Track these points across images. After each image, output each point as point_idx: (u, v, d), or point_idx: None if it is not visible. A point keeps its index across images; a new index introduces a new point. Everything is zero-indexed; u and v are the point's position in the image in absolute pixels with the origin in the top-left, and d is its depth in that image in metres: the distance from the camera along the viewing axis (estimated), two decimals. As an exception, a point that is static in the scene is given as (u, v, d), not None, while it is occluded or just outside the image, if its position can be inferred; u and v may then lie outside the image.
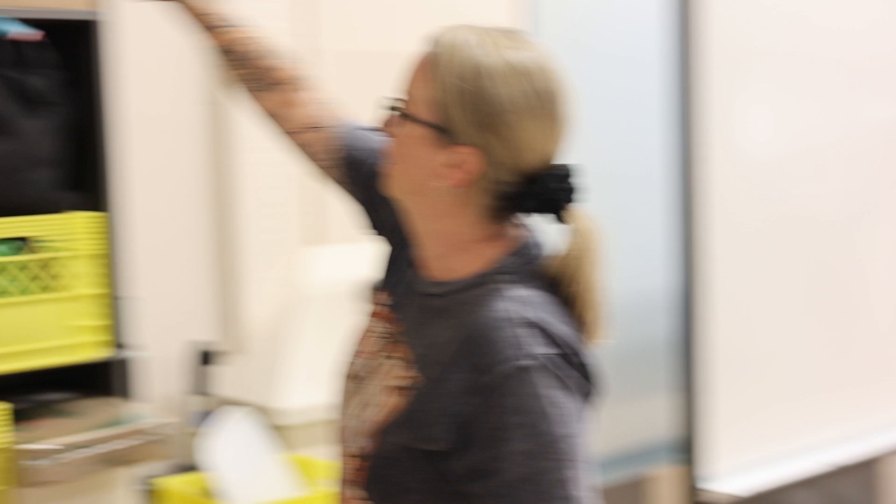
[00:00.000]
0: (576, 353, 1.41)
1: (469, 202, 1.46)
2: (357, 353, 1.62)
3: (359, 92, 3.60)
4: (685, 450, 3.50)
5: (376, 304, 1.62)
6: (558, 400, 1.37)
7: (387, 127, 1.51)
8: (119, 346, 2.79)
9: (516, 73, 1.43)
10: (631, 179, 4.02)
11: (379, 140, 1.61)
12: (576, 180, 1.48)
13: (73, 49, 2.73)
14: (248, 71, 1.77)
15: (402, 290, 1.58)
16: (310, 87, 1.79)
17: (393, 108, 1.50)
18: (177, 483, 2.86)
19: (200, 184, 3.38)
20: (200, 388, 3.24)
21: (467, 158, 1.43)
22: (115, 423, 2.62)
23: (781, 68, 3.73)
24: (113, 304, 2.77)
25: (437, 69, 1.44)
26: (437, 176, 1.45)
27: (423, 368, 1.45)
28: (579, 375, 1.41)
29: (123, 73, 2.77)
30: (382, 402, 1.49)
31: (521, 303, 1.42)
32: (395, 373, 1.50)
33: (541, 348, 1.38)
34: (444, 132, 1.43)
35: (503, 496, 1.36)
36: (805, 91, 3.81)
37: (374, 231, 1.72)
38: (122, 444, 2.58)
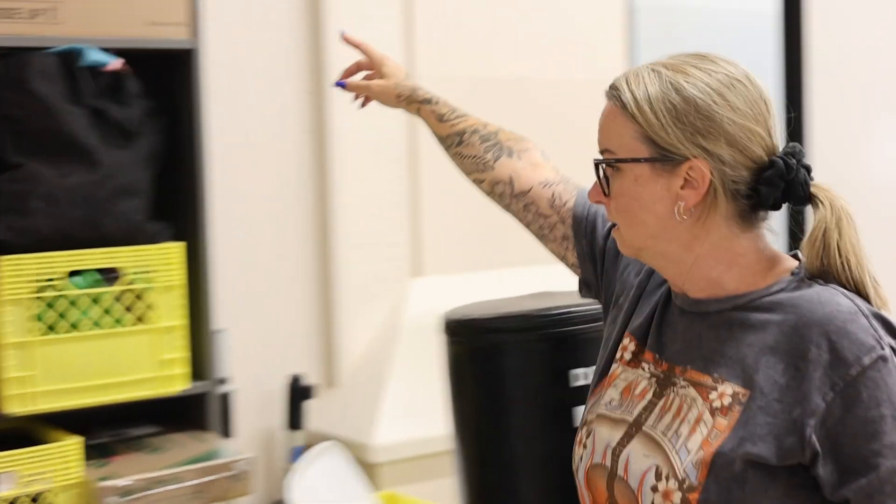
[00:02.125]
0: None
1: (716, 215, 1.45)
2: (618, 401, 1.56)
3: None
4: None
5: (623, 353, 1.61)
6: None
7: (599, 192, 1.50)
8: (210, 379, 2.74)
9: (698, 69, 1.45)
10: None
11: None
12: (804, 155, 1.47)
13: (162, 79, 2.72)
14: (491, 143, 1.83)
15: (656, 330, 1.56)
16: (538, 153, 1.85)
17: (599, 169, 1.49)
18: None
19: (298, 214, 3.34)
20: (294, 422, 3.18)
21: (696, 169, 1.43)
22: (201, 458, 2.56)
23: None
24: (204, 336, 2.73)
25: (626, 106, 1.45)
26: (675, 202, 1.44)
27: (747, 381, 1.41)
28: None
29: (215, 103, 2.74)
30: (712, 427, 1.41)
31: (855, 297, 1.41)
32: (706, 396, 1.44)
33: (889, 337, 1.38)
34: (663, 158, 1.44)
35: (877, 492, 1.34)
36: None
37: (591, 286, 1.74)
38: (207, 480, 2.52)
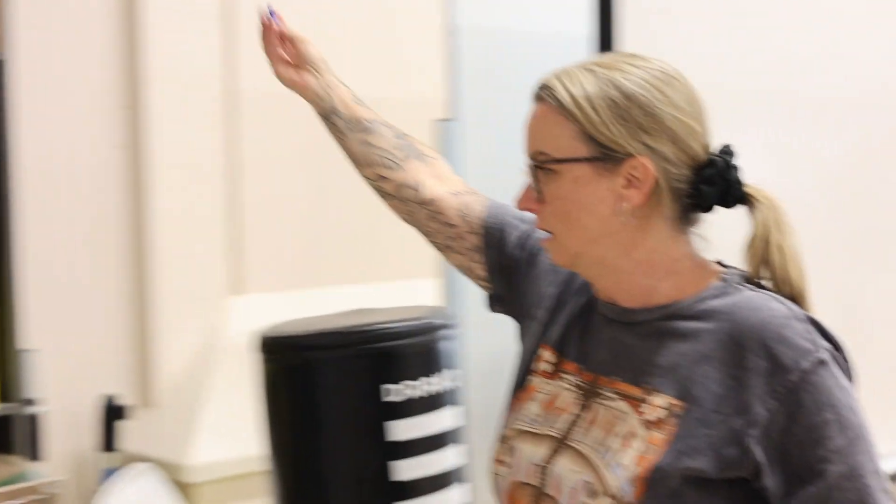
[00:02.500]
0: (839, 343, 1.37)
1: (658, 216, 1.40)
2: (540, 415, 1.48)
3: (283, 132, 3.56)
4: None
5: (540, 364, 1.52)
6: (851, 389, 1.34)
7: (530, 199, 1.43)
8: (17, 400, 2.67)
9: (632, 66, 1.40)
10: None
11: (519, 213, 1.57)
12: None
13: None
14: (403, 141, 1.71)
15: (578, 340, 1.50)
16: (446, 164, 1.74)
17: (534, 173, 1.41)
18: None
19: (111, 230, 3.27)
20: (108, 443, 3.11)
21: (640, 167, 1.37)
22: (8, 481, 2.49)
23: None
24: (11, 356, 2.66)
25: (562, 104, 1.38)
26: (618, 203, 1.38)
27: (682, 392, 1.35)
28: (846, 362, 1.38)
29: (25, 117, 2.67)
30: (646, 441, 1.35)
31: (787, 301, 1.37)
32: (637, 408, 1.38)
33: (823, 341, 1.34)
34: (605, 157, 1.37)
35: (826, 499, 1.29)
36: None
37: (502, 300, 1.65)
38: (12, 505, 2.45)
